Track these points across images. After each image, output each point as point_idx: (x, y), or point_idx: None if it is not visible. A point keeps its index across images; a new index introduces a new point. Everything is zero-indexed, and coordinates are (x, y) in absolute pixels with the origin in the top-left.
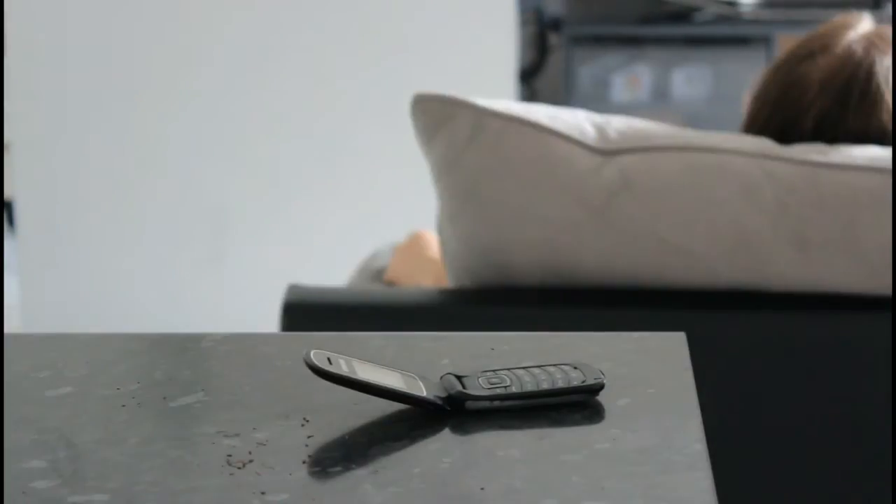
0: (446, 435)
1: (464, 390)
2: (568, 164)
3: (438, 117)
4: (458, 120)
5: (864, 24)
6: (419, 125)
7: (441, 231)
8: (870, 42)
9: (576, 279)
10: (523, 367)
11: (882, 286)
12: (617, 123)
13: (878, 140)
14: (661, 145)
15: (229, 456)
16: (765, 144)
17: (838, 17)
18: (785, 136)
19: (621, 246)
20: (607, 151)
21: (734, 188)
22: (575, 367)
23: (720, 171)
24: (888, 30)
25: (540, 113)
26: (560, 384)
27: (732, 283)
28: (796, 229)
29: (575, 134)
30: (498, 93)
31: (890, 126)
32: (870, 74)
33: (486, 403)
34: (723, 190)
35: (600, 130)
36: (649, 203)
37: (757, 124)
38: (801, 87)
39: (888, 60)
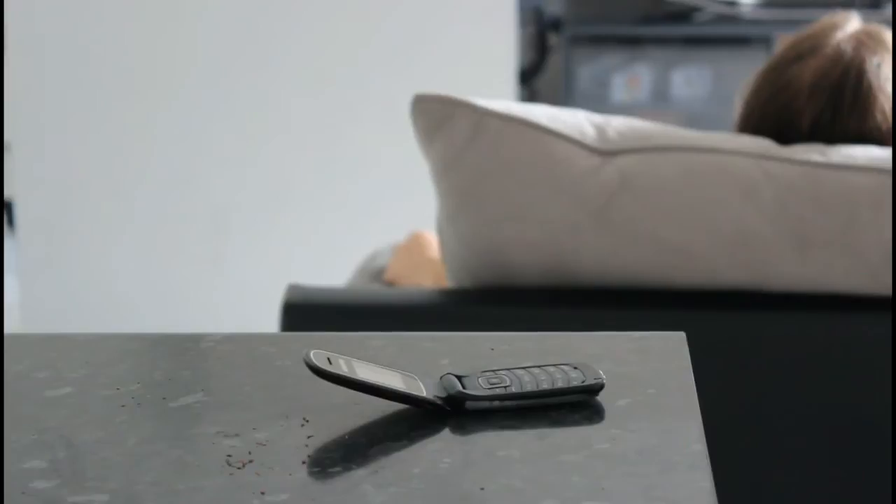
0: (446, 435)
1: (464, 390)
2: (568, 165)
3: (438, 117)
4: (458, 120)
5: (851, 24)
6: (419, 125)
7: (441, 231)
8: (858, 41)
9: (576, 279)
10: (523, 367)
11: (882, 286)
12: (617, 124)
13: (875, 140)
14: (660, 145)
15: (229, 456)
16: (764, 144)
17: (825, 18)
18: (780, 139)
19: (621, 246)
20: (607, 152)
21: (734, 188)
22: (575, 367)
23: (720, 171)
24: (877, 28)
25: (540, 113)
26: (560, 384)
27: (732, 283)
28: (796, 229)
29: (575, 134)
30: (498, 93)
31: (885, 125)
32: (860, 74)
33: (486, 403)
34: (723, 190)
35: (600, 131)
36: (649, 203)
37: (749, 128)
38: (792, 90)
39: (878, 59)
